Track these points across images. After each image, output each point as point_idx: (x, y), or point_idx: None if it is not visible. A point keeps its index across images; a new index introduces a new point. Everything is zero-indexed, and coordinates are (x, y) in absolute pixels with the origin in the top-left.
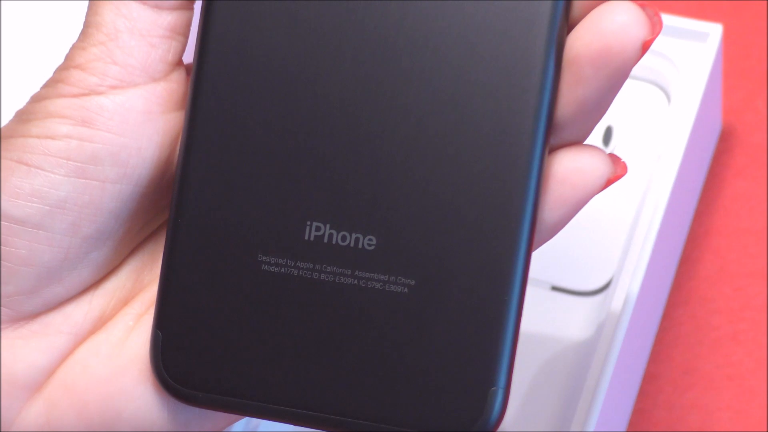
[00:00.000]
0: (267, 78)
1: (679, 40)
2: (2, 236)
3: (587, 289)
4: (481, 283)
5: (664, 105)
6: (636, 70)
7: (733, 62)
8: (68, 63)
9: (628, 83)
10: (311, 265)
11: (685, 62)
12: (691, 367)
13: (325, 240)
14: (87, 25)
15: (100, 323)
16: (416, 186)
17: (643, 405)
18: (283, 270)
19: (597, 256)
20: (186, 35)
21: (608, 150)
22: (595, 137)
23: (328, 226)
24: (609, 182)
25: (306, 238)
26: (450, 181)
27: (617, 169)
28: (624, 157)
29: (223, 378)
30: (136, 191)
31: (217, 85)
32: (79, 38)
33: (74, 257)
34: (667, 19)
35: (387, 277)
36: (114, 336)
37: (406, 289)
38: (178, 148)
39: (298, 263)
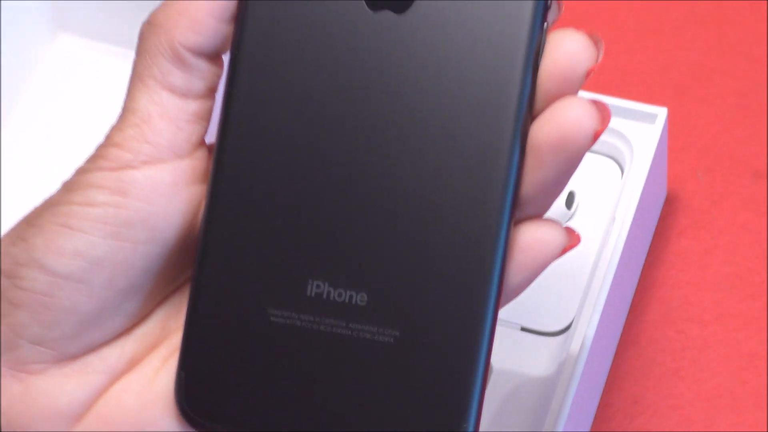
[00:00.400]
0: (273, 164)
1: (631, 121)
2: (50, 289)
3: (552, 330)
4: (455, 336)
5: (618, 175)
6: (595, 146)
7: (676, 139)
8: (108, 142)
9: (589, 156)
10: (312, 318)
11: (636, 139)
12: (640, 398)
13: (324, 296)
14: (125, 109)
15: (131, 364)
16: (402, 252)
17: (598, 430)
18: (288, 321)
19: (560, 302)
20: (208, 120)
21: (570, 211)
22: (559, 201)
23: (326, 284)
24: (564, 251)
25: (308, 294)
26: (431, 249)
27: (572, 239)
28: (583, 218)
29: (236, 411)
30: (163, 252)
31: (233, 164)
32: (117, 120)
33: (110, 307)
34: (622, 103)
35: (376, 329)
36: (144, 375)
37: (392, 339)
38: (200, 215)
39: (301, 316)
